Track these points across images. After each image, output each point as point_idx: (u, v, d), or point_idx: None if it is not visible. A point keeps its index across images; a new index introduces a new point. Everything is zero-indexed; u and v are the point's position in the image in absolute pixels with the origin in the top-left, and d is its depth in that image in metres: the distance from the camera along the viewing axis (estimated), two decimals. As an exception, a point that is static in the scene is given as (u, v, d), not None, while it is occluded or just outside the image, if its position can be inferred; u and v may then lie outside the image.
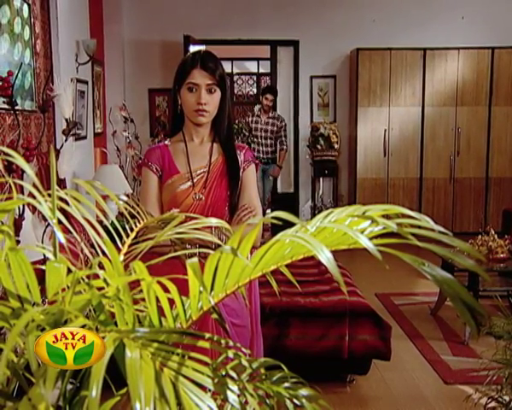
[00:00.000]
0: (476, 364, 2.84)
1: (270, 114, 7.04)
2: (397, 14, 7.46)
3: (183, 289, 0.84)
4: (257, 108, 7.64)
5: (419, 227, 0.77)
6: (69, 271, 0.82)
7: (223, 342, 0.83)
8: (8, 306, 0.80)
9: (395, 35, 7.37)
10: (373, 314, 3.49)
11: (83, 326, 0.76)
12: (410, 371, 3.77)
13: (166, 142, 2.19)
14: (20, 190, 1.20)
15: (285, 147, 7.12)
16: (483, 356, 2.33)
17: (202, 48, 5.91)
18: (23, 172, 1.71)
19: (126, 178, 5.28)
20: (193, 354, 0.77)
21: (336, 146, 7.38)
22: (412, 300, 5.20)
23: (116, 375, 0.79)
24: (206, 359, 0.78)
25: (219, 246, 0.82)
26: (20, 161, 0.76)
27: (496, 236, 4.34)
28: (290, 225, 0.82)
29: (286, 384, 0.86)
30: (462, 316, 0.70)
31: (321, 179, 7.76)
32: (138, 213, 1.12)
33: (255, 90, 9.72)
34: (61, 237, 0.79)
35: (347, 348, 3.39)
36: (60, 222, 0.82)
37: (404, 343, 4.19)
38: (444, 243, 0.75)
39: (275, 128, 7.03)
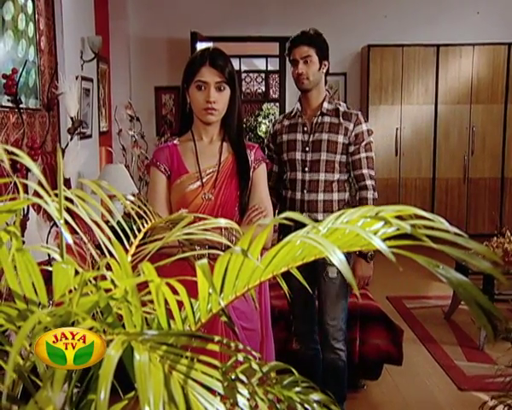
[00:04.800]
0: (492, 370, 2.77)
1: (326, 105, 2.76)
2: (409, 9, 7.27)
3: (192, 290, 0.82)
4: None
5: (432, 228, 0.75)
6: (76, 272, 0.81)
7: (232, 345, 0.82)
8: (15, 307, 0.79)
9: (407, 31, 7.19)
10: (384, 318, 3.42)
11: (90, 328, 0.75)
12: (422, 376, 3.69)
13: (175, 141, 2.16)
14: (24, 189, 1.18)
15: (371, 195, 2.75)
16: (499, 362, 2.29)
17: (210, 45, 5.83)
18: (27, 171, 1.70)
19: (132, 178, 5.25)
20: (202, 358, 0.76)
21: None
22: (425, 303, 5.10)
23: (121, 378, 0.78)
24: (216, 362, 0.77)
25: (228, 247, 0.81)
26: (27, 160, 0.75)
27: (512, 237, 4.27)
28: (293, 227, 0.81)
29: (297, 389, 0.84)
30: (478, 320, 0.69)
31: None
32: (146, 213, 1.11)
33: (263, 88, 9.61)
34: (68, 237, 0.78)
35: (358, 352, 3.32)
36: (66, 222, 0.81)
37: (417, 348, 4.11)
38: (458, 245, 0.73)
39: (341, 139, 2.72)
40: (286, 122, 2.85)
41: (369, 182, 2.73)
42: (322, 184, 2.72)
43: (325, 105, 2.75)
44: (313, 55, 2.68)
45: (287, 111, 3.31)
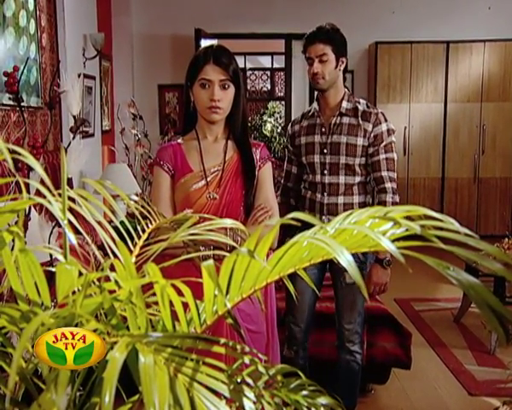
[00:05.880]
0: (503, 375, 2.73)
1: (345, 104, 2.66)
2: (418, 4, 7.12)
3: (197, 292, 0.81)
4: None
5: (442, 229, 0.74)
6: (79, 273, 0.80)
7: (238, 347, 0.81)
8: (17, 309, 0.78)
9: (416, 27, 7.05)
10: (392, 321, 3.36)
11: (94, 330, 0.75)
12: (431, 381, 3.63)
13: (179, 140, 2.14)
14: (26, 189, 1.17)
15: (390, 199, 2.62)
16: (510, 366, 2.26)
17: (214, 42, 5.78)
18: (29, 171, 1.69)
19: (135, 177, 5.24)
20: (208, 360, 0.75)
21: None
22: (434, 306, 5.02)
23: (124, 381, 0.77)
24: (222, 365, 0.76)
25: (233, 248, 0.80)
26: (30, 159, 0.74)
27: (523, 238, 4.20)
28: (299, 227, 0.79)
29: (304, 392, 0.83)
30: (489, 323, 0.67)
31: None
32: (150, 213, 1.09)
33: (269, 86, 9.51)
34: (72, 238, 0.77)
35: (365, 355, 3.22)
36: (69, 223, 0.80)
37: (426, 352, 4.04)
38: (468, 246, 0.72)
39: (360, 142, 2.62)
40: (304, 123, 2.74)
41: (388, 185, 2.61)
42: (342, 188, 2.64)
43: (344, 104, 2.64)
44: (329, 54, 2.59)
45: (293, 108, 3.30)
